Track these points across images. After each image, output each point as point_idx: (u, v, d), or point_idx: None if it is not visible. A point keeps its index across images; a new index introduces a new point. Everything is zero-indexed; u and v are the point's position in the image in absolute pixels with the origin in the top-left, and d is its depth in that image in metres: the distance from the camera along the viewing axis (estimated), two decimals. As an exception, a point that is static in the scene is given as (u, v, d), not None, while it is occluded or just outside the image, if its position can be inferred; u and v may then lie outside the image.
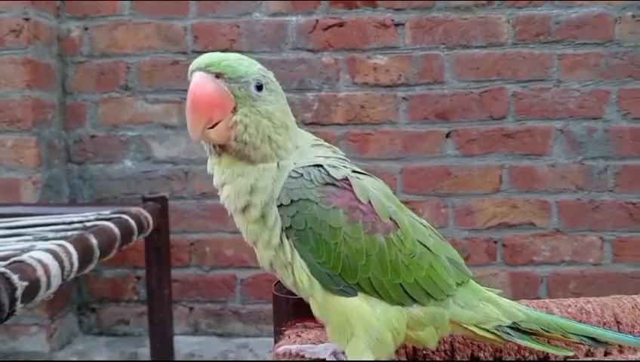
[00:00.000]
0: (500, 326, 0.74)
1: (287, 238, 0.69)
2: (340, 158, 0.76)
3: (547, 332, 0.75)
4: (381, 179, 0.78)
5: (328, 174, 0.70)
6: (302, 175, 0.70)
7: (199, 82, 0.68)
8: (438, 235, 0.77)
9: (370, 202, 0.71)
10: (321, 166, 0.71)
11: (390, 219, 0.71)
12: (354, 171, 0.74)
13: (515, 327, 0.74)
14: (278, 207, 0.69)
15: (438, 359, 0.80)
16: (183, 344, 2.00)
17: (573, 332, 0.75)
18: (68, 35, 2.06)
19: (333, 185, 0.70)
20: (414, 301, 0.71)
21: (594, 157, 1.96)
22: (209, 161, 0.74)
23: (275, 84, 0.73)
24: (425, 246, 0.73)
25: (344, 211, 0.69)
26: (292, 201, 0.69)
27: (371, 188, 0.73)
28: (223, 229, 2.06)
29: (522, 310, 0.76)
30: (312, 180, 0.69)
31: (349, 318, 0.68)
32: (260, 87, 0.70)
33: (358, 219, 0.69)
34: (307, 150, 0.75)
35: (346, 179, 0.71)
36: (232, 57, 0.70)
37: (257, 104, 0.69)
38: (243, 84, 0.69)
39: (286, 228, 0.69)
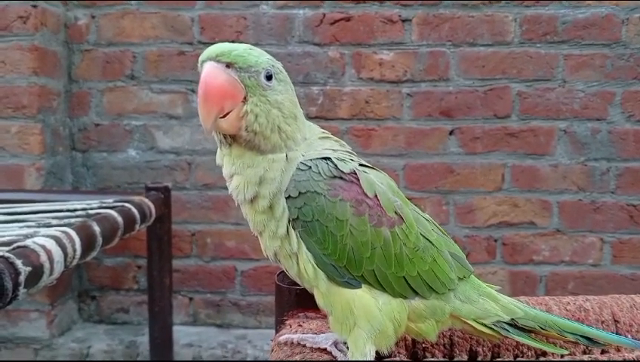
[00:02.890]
0: (498, 321, 0.75)
1: (294, 229, 0.70)
2: (347, 152, 0.77)
3: (544, 330, 0.75)
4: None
5: (336, 167, 0.71)
6: (310, 167, 0.70)
7: (211, 72, 0.68)
8: (440, 230, 0.78)
9: (376, 196, 0.71)
10: (329, 159, 0.72)
11: (395, 213, 0.72)
12: (361, 165, 0.75)
13: (513, 324, 0.75)
14: (286, 198, 0.70)
15: (437, 353, 0.80)
16: (182, 334, 2.02)
17: (569, 331, 0.75)
18: (75, 22, 2.06)
19: (341, 178, 0.71)
20: (416, 294, 0.72)
21: (596, 159, 1.96)
22: (218, 151, 0.75)
23: (283, 74, 0.73)
24: (428, 240, 0.74)
25: (351, 204, 0.70)
26: (300, 193, 0.69)
27: (378, 182, 0.73)
28: (224, 220, 2.07)
29: (520, 307, 0.76)
30: (320, 173, 0.70)
31: (352, 309, 0.69)
32: (269, 77, 0.70)
33: (364, 212, 0.70)
34: (315, 142, 0.75)
35: (354, 172, 0.72)
36: (242, 47, 0.70)
37: (267, 93, 0.70)
38: (253, 74, 0.69)
39: (293, 219, 0.70)
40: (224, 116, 0.69)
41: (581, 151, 1.96)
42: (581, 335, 0.76)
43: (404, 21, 1.98)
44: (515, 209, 1.99)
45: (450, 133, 1.99)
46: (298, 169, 0.70)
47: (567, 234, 1.98)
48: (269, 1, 2.00)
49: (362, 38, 1.99)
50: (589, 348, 0.82)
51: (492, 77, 1.97)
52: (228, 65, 0.68)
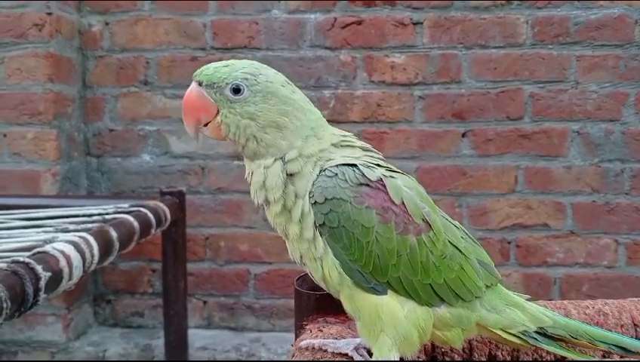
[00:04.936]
0: (525, 331, 0.74)
1: (321, 236, 0.71)
2: (373, 156, 0.77)
3: (575, 339, 0.75)
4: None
5: (363, 175, 0.72)
6: (336, 174, 0.71)
7: (188, 90, 0.78)
8: (470, 237, 0.78)
9: (403, 203, 0.72)
10: (355, 166, 0.72)
11: (423, 220, 0.72)
12: (388, 170, 0.75)
13: (542, 333, 0.75)
14: (312, 204, 0.71)
15: (456, 357, 0.81)
16: (196, 337, 2.03)
17: (602, 341, 0.74)
18: (89, 29, 2.08)
19: (367, 185, 0.71)
20: (443, 301, 0.72)
21: (610, 160, 1.95)
22: None
23: (262, 85, 0.75)
24: (456, 247, 0.74)
25: (377, 211, 0.70)
26: (326, 199, 0.70)
27: (405, 188, 0.73)
28: (237, 224, 2.08)
29: (550, 316, 0.76)
30: (346, 180, 0.71)
31: (379, 315, 0.70)
32: (237, 90, 0.74)
33: (390, 219, 0.70)
34: (327, 150, 0.75)
35: (380, 179, 0.72)
36: (214, 66, 0.77)
37: (236, 106, 0.74)
38: (217, 89, 0.75)
39: (320, 224, 0.71)
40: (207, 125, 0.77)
41: (595, 153, 1.95)
42: (614, 344, 0.75)
43: (415, 24, 1.98)
44: (528, 211, 1.98)
45: (463, 135, 1.99)
46: (325, 176, 0.71)
47: (582, 236, 1.97)
48: (281, 4, 2.01)
49: (374, 41, 2.00)
50: (608, 354, 0.82)
51: (504, 79, 1.97)
52: (200, 83, 0.76)
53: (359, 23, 2.00)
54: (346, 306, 0.74)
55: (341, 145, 0.76)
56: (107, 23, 2.07)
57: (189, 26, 2.04)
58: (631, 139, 1.94)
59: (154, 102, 2.08)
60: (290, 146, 0.74)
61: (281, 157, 0.74)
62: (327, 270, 0.72)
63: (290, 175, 0.73)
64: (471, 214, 2.00)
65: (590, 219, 1.97)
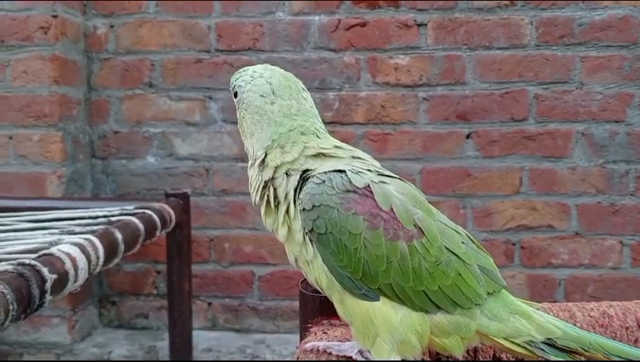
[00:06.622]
0: (532, 341, 0.72)
1: (311, 241, 0.71)
2: (364, 162, 0.76)
3: (587, 352, 0.72)
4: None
5: (350, 181, 0.71)
6: (324, 181, 0.71)
7: None
8: (474, 242, 0.76)
9: (392, 209, 0.71)
10: (344, 172, 0.72)
11: (415, 226, 0.71)
12: (380, 174, 0.74)
13: (550, 344, 0.72)
14: (300, 211, 0.71)
15: (460, 359, 0.80)
16: (200, 338, 2.03)
17: (617, 355, 0.71)
18: (94, 32, 2.09)
19: (355, 192, 0.71)
20: (439, 308, 0.71)
21: (615, 161, 1.94)
22: None
23: (245, 95, 0.79)
24: (454, 253, 0.72)
25: (364, 218, 0.69)
26: (314, 206, 0.70)
27: (397, 193, 0.72)
28: (241, 226, 2.08)
29: (560, 327, 0.73)
30: (333, 187, 0.71)
31: (372, 320, 0.69)
32: (235, 95, 0.82)
33: (378, 225, 0.69)
34: (299, 162, 0.75)
35: (368, 186, 0.71)
36: (237, 70, 0.83)
37: (238, 108, 0.82)
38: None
39: (309, 230, 0.71)
40: None
41: (599, 154, 1.95)
42: (631, 360, 0.71)
43: (419, 25, 1.99)
44: (533, 212, 1.98)
45: (467, 136, 1.99)
46: (313, 183, 0.72)
47: (586, 237, 1.97)
48: (285, 6, 2.01)
49: (378, 43, 2.00)
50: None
51: (508, 80, 1.97)
52: None
53: (363, 24, 2.00)
54: (338, 310, 0.74)
55: (323, 156, 0.76)
56: (112, 26, 2.08)
57: (194, 28, 2.05)
58: (636, 140, 1.93)
59: (159, 104, 2.08)
60: (255, 154, 0.78)
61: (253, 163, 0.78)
62: (317, 274, 0.72)
63: (265, 181, 0.76)
64: (475, 215, 2.00)
65: (595, 220, 1.96)
